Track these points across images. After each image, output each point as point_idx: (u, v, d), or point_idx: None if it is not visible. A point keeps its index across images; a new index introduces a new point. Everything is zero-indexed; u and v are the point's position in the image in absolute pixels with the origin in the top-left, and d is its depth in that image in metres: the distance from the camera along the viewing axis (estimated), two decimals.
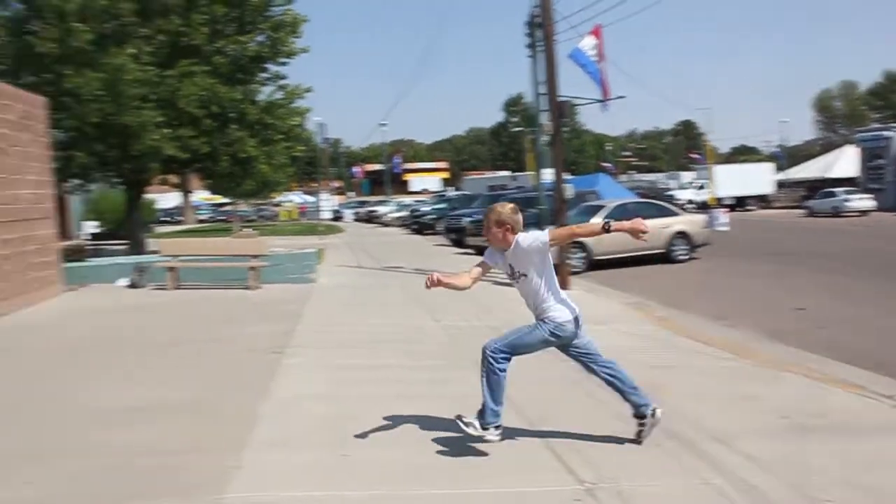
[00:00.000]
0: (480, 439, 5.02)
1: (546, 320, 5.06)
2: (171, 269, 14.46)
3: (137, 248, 21.81)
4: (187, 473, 4.89)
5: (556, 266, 5.21)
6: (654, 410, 5.16)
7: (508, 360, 5.06)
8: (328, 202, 55.60)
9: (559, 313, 5.05)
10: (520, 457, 5.03)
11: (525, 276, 5.09)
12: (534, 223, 17.09)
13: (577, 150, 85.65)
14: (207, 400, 6.63)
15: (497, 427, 5.07)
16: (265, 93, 22.75)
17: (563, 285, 13.13)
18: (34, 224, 12.93)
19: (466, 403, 5.23)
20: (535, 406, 6.05)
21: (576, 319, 5.09)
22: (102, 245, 25.42)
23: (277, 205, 56.76)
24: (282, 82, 22.61)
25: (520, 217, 5.11)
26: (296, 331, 9.82)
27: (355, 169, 77.75)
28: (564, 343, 5.18)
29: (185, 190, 48.70)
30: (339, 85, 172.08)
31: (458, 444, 5.17)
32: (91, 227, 33.28)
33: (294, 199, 62.04)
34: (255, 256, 14.47)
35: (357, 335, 9.64)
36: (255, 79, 22.46)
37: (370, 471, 4.84)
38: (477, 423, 5.02)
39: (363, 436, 5.46)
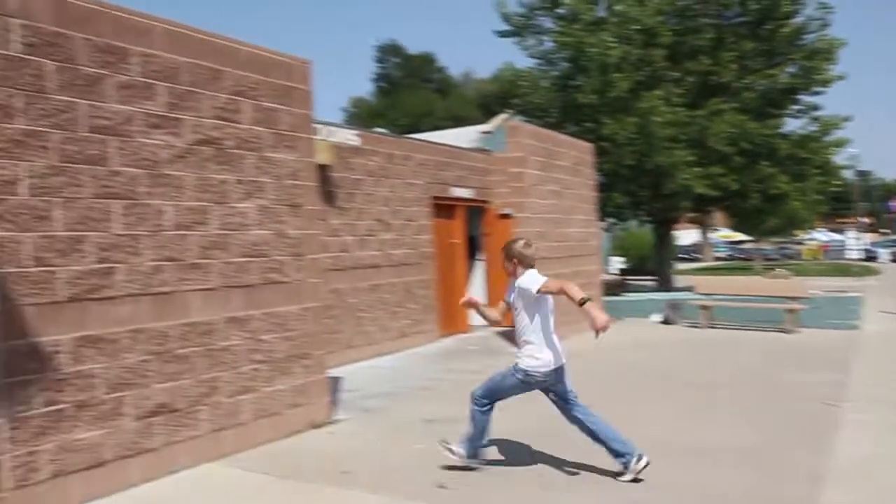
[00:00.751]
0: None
1: (517, 367, 5.35)
2: (705, 307, 14.51)
3: (665, 284, 22.42)
4: None
5: None
6: (639, 456, 5.35)
7: (490, 406, 5.54)
8: (857, 240, 50.72)
9: (531, 361, 5.29)
10: None
11: (516, 310, 5.40)
12: None
13: None
14: (766, 449, 6.36)
15: (473, 457, 5.68)
16: (796, 125, 21.76)
17: None
18: (582, 260, 14.15)
19: None
20: None
21: (556, 370, 5.32)
22: (630, 280, 26.69)
23: (799, 243, 53.42)
24: (815, 113, 21.39)
25: (529, 251, 5.39)
26: (849, 382, 9.01)
27: (891, 203, 69.58)
28: (541, 388, 5.48)
29: (706, 227, 48.68)
30: (872, 108, 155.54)
31: None
32: (617, 262, 35.12)
33: (818, 236, 57.87)
34: (793, 298, 13.76)
35: None
36: (785, 111, 21.61)
37: None
38: (461, 451, 5.65)
39: None
